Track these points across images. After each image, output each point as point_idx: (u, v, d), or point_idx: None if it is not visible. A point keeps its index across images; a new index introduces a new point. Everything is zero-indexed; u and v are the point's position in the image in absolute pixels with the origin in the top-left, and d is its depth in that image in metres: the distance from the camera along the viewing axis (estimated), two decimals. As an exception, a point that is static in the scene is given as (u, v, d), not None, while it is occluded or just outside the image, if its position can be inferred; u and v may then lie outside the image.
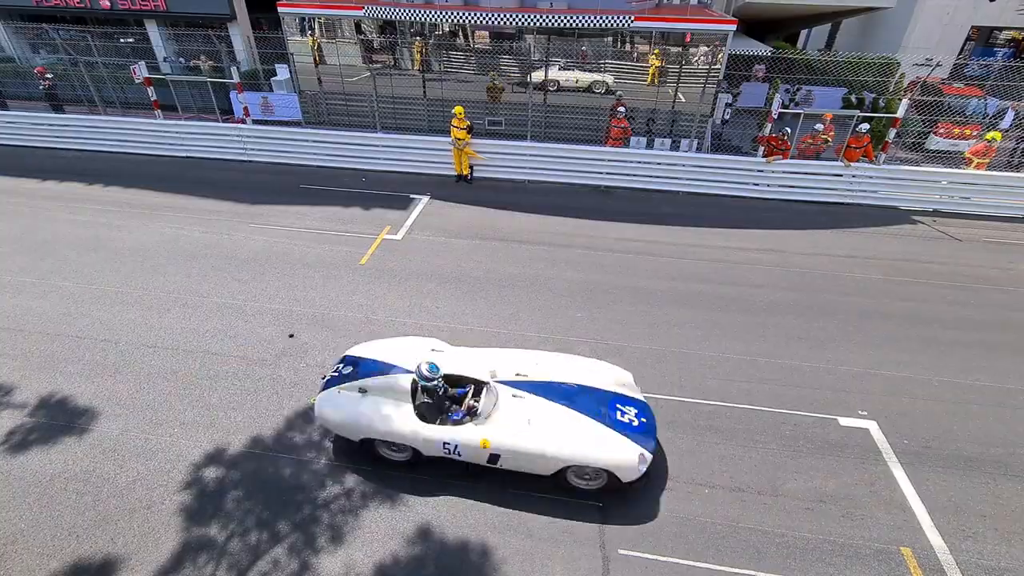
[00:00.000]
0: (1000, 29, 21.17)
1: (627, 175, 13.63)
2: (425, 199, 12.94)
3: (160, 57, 19.10)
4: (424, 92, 15.89)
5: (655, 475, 6.22)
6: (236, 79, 14.20)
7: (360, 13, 14.42)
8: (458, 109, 12.90)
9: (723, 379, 7.64)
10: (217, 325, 8.57)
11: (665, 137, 13.78)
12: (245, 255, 10.47)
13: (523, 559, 5.42)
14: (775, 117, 12.45)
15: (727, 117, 15.45)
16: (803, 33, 27.14)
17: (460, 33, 18.34)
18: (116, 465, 6.31)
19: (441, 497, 5.99)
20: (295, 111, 15.02)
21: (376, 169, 14.45)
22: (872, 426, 6.93)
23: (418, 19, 14.16)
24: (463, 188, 13.73)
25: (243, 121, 14.87)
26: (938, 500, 6.04)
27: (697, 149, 13.60)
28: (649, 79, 17.43)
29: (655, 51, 18.12)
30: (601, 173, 13.70)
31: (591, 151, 13.55)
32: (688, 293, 9.56)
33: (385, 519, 5.77)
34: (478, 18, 13.88)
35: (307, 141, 14.52)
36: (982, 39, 21.47)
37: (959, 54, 20.69)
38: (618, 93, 14.58)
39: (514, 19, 13.70)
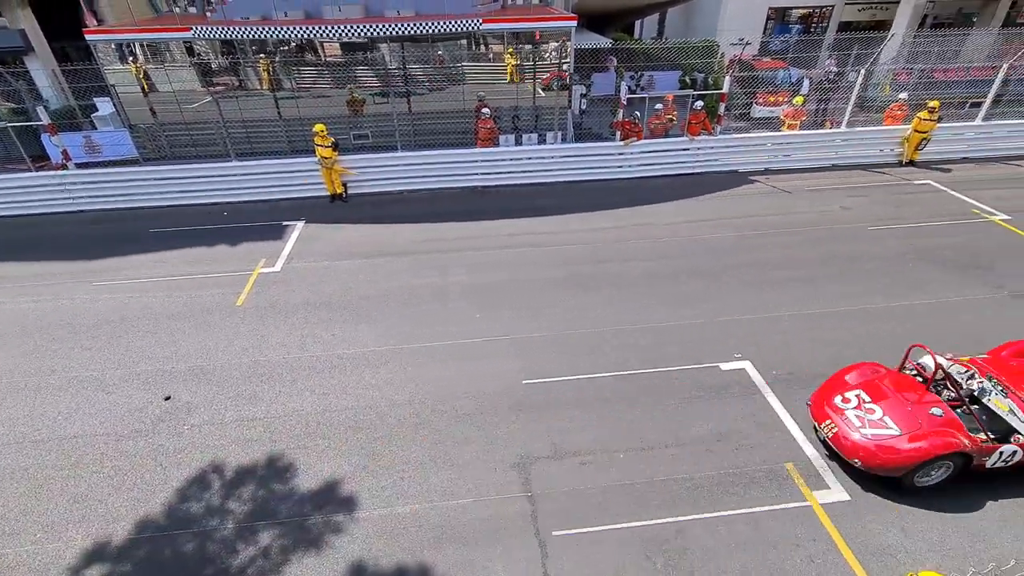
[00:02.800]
0: (791, 9, 24.82)
1: (502, 173, 14.00)
2: (300, 225, 12.24)
3: (-63, 103, 15.91)
4: (279, 112, 14.98)
5: (575, 452, 6.53)
6: (45, 120, 12.28)
7: (188, 35, 13.18)
8: (319, 127, 12.33)
9: (618, 349, 8.19)
10: (71, 404, 7.42)
11: (531, 132, 14.35)
12: (93, 318, 9.15)
13: (463, 568, 5.40)
14: (624, 103, 13.52)
15: (584, 107, 16.45)
16: (638, 24, 29.68)
17: (309, 47, 17.52)
18: (-38, 597, 5.24)
19: (369, 527, 5.77)
20: (128, 148, 13.35)
21: (238, 200, 13.35)
22: (747, 365, 7.87)
23: (257, 37, 13.28)
24: (339, 207, 13.19)
25: (63, 167, 12.91)
26: (806, 417, 7.02)
27: (562, 140, 14.34)
28: (508, 78, 18.02)
29: (509, 50, 18.77)
30: (477, 174, 13.93)
31: (463, 154, 13.72)
32: (577, 276, 10.09)
33: (313, 568, 5.43)
34: (322, 31, 13.35)
35: (149, 180, 13.01)
36: (779, 18, 25.02)
37: (763, 33, 23.96)
38: (480, 94, 14.89)
39: (361, 29, 13.38)
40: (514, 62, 18.15)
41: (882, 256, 10.50)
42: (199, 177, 13.14)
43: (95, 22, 13.97)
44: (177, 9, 17.12)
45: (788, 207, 12.66)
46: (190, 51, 15.40)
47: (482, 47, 19.78)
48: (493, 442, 6.75)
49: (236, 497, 6.13)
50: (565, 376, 7.70)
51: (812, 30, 24.73)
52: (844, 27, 23.78)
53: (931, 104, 13.64)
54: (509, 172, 14.02)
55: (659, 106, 14.04)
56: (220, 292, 9.79)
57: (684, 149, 14.29)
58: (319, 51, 17.33)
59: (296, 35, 13.51)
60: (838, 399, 6.37)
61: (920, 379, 6.52)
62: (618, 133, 13.92)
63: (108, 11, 16.89)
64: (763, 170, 14.65)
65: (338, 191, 13.29)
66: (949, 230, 11.38)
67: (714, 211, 12.53)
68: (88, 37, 13.19)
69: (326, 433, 6.91)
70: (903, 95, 14.86)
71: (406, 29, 13.55)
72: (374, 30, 13.48)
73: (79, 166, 13.03)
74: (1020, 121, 15.00)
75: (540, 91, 15.90)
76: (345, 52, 16.51)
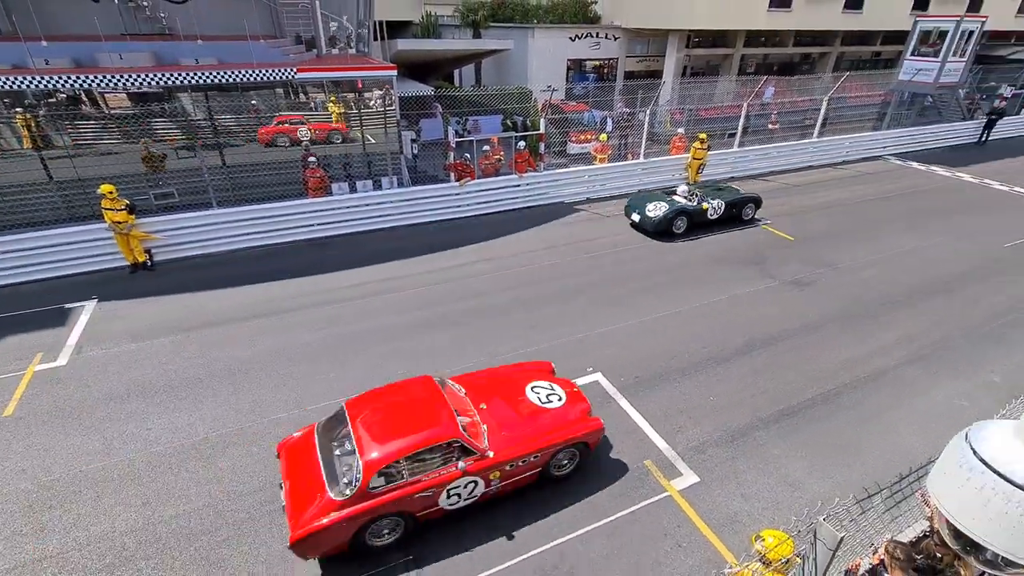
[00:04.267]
0: (585, 60, 28.53)
1: (340, 222, 13.44)
2: (91, 305, 10.19)
3: None
4: (49, 175, 12.49)
5: (452, 501, 6.27)
6: None
7: (-100, 85, 10.40)
8: (105, 188, 10.54)
9: (483, 385, 8.20)
10: None
11: (366, 179, 14.04)
12: None
13: (345, 664, 4.77)
14: (454, 146, 14.03)
15: (416, 151, 16.70)
16: (457, 72, 31.40)
17: (86, 98, 15.10)
18: None
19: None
20: None
21: (-3, 284, 10.71)
22: (599, 376, 8.46)
23: (8, 88, 11.01)
24: (144, 278, 11.32)
25: None
26: (654, 414, 7.74)
27: (398, 185, 14.29)
28: (334, 125, 17.56)
29: (332, 98, 18.36)
30: (312, 225, 13.16)
31: (294, 206, 12.88)
32: (430, 317, 9.97)
33: None
34: (100, 81, 11.60)
35: None
36: (577, 68, 28.55)
37: (566, 80, 27.09)
38: (304, 143, 14.22)
39: (150, 79, 11.92)
40: (339, 110, 17.83)
41: (690, 264, 12.29)
42: (-69, 261, 10.26)
43: None
44: None
45: (610, 230, 14.20)
46: (-95, 106, 12.23)
47: (301, 96, 19.07)
48: (363, 510, 6.17)
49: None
50: (432, 422, 7.44)
51: (605, 78, 28.70)
52: (629, 75, 28.06)
53: (701, 136, 16.65)
54: (348, 220, 13.51)
55: (487, 147, 14.87)
56: (-24, 404, 7.61)
57: (515, 186, 15.27)
58: (100, 102, 15.04)
59: (64, 86, 11.51)
60: None
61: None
62: (452, 175, 14.36)
63: None
64: (584, 199, 16.28)
65: (140, 259, 11.41)
66: (733, 236, 13.80)
67: (548, 239, 13.51)
68: None
69: (150, 552, 5.67)
70: (680, 130, 17.95)
71: (207, 78, 12.41)
72: (167, 79, 12.11)
73: None
74: (763, 146, 19.08)
75: (369, 137, 15.77)
76: (136, 103, 14.60)
